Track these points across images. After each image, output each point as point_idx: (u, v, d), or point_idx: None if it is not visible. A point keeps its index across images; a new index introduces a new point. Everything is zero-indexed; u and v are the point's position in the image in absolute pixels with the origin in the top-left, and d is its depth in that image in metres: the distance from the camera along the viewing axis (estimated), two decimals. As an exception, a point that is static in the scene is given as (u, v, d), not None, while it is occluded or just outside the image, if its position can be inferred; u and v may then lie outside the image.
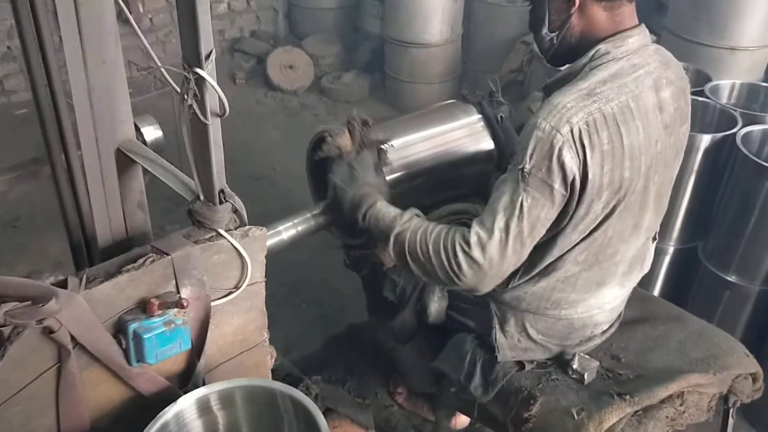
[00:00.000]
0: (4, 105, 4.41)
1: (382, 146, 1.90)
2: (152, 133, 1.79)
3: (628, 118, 1.48)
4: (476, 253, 1.53)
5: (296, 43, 5.15)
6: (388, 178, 1.94)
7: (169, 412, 1.32)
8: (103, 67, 1.41)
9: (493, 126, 2.16)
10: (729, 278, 2.53)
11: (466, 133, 2.16)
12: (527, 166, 1.48)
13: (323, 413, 2.33)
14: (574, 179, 1.48)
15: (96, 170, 1.43)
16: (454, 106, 2.24)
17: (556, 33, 1.60)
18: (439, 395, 2.20)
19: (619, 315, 1.92)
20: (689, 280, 2.72)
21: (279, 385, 1.35)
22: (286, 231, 1.94)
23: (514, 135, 2.15)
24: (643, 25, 1.57)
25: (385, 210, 1.72)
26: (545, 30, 1.61)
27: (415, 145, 2.08)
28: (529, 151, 1.48)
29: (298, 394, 1.32)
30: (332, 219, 2.00)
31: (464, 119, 2.17)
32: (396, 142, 1.99)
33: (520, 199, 1.50)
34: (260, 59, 5.08)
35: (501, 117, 2.20)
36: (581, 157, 1.46)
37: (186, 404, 1.35)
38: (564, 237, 1.59)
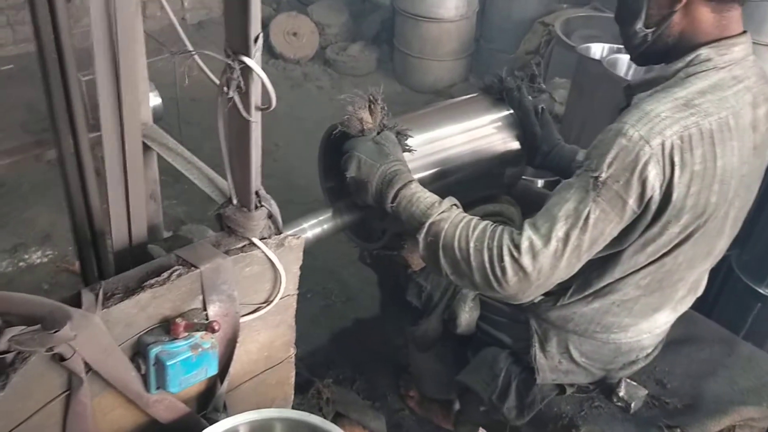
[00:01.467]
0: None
1: (404, 133, 1.70)
2: (151, 99, 1.60)
3: (726, 137, 1.31)
4: (526, 260, 1.37)
5: (301, 9, 4.89)
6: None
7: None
8: (129, 33, 1.19)
9: (529, 117, 1.94)
10: (762, 291, 2.42)
11: (495, 131, 1.95)
12: (603, 175, 1.32)
13: (333, 418, 2.22)
14: (651, 198, 1.32)
15: (116, 156, 1.22)
16: (481, 99, 2.01)
17: (653, 29, 1.42)
18: (463, 410, 2.06)
19: (664, 337, 1.79)
20: (718, 289, 2.60)
21: (318, 420, 1.19)
22: (312, 229, 1.76)
23: (552, 129, 1.97)
24: (748, 33, 1.40)
25: (421, 194, 1.52)
26: (640, 24, 1.43)
27: (438, 142, 1.84)
28: (608, 159, 1.31)
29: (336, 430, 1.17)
30: (358, 217, 1.80)
31: (494, 114, 1.94)
32: (418, 138, 1.79)
33: (587, 209, 1.34)
34: (263, 24, 4.81)
35: (542, 108, 1.99)
36: (667, 175, 1.30)
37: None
38: (629, 258, 1.44)
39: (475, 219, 1.46)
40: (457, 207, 1.52)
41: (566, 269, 1.39)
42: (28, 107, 3.72)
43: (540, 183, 2.69)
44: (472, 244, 1.41)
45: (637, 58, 1.53)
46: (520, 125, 1.92)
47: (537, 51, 4.21)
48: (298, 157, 3.67)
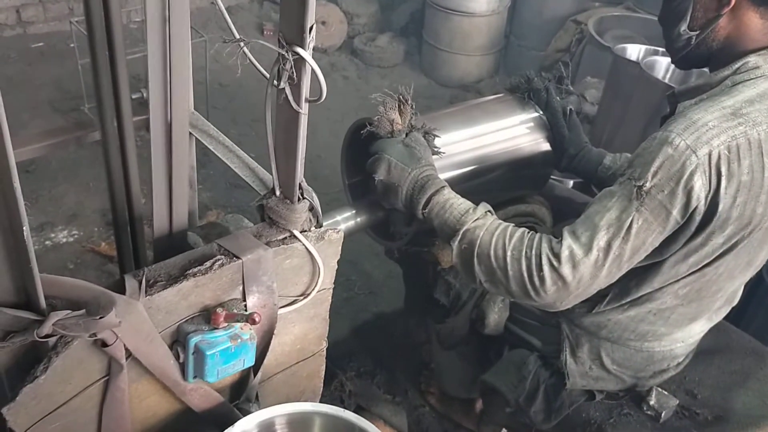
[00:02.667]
0: (20, 37, 4.14)
1: (432, 132, 1.65)
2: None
3: None
4: (566, 269, 1.35)
5: (331, -3, 4.87)
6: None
7: (236, 430, 1.15)
8: (180, 13, 1.18)
9: (557, 119, 1.90)
10: (792, 303, 2.37)
11: (525, 131, 1.91)
12: (647, 184, 1.29)
13: (354, 411, 2.22)
14: (696, 208, 1.30)
15: (162, 140, 1.21)
16: (509, 99, 1.97)
17: (697, 32, 1.39)
18: (487, 410, 2.05)
19: (695, 347, 1.77)
20: (746, 298, 2.56)
21: (354, 417, 1.18)
22: (345, 222, 1.74)
23: (580, 132, 1.93)
24: None
25: (455, 200, 1.49)
26: (684, 27, 1.40)
27: (467, 141, 1.80)
28: (653, 168, 1.29)
29: (373, 429, 1.16)
30: (380, 217, 1.77)
31: (523, 115, 1.89)
32: (448, 138, 1.75)
33: (630, 219, 1.31)
34: (291, 11, 4.80)
35: (570, 109, 1.96)
36: (713, 185, 1.27)
37: (250, 425, 1.18)
38: (670, 267, 1.42)
39: (511, 226, 1.43)
40: (492, 214, 1.49)
41: (606, 279, 1.37)
42: (57, 85, 3.73)
43: (570, 183, 2.66)
44: (509, 253, 1.39)
45: (679, 62, 1.50)
46: (549, 127, 1.89)
47: (568, 49, 4.16)
48: (323, 147, 3.66)
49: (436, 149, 1.62)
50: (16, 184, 0.86)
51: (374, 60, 4.59)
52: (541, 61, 4.24)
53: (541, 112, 1.90)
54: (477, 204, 1.50)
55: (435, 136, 1.63)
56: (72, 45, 3.70)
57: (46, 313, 0.98)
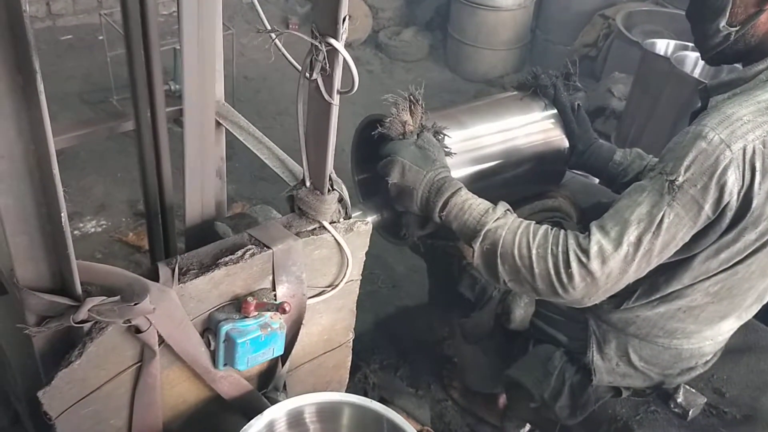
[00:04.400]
0: (49, 29, 4.19)
1: (442, 132, 1.63)
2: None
3: None
4: (595, 264, 1.33)
5: (356, -9, 4.87)
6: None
7: (265, 419, 1.16)
8: (212, 5, 1.19)
9: (567, 115, 1.89)
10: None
11: (542, 128, 1.88)
12: (680, 179, 1.28)
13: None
14: (728, 204, 1.28)
15: (196, 131, 1.22)
16: (524, 96, 1.95)
17: (736, 28, 1.37)
18: (511, 405, 2.05)
19: (723, 345, 1.75)
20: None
21: (381, 407, 1.19)
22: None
23: (589, 127, 1.91)
24: None
25: (473, 200, 1.47)
26: (723, 22, 1.37)
27: (477, 139, 1.77)
28: (686, 162, 1.27)
29: (402, 422, 1.16)
30: (388, 218, 1.73)
31: (539, 112, 1.88)
32: (461, 134, 1.71)
33: (661, 213, 1.30)
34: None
35: (578, 105, 1.94)
36: (747, 181, 1.25)
37: (279, 413, 1.19)
38: (700, 264, 1.41)
39: (533, 224, 1.42)
40: (511, 212, 1.47)
41: (635, 274, 1.36)
42: (86, 77, 3.78)
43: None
44: (534, 251, 1.37)
45: (712, 58, 1.48)
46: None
47: (594, 44, 4.13)
48: (347, 141, 3.66)
49: (447, 149, 1.60)
50: (56, 171, 0.88)
51: (399, 54, 4.58)
52: (567, 56, 4.20)
53: (556, 110, 1.88)
54: (495, 203, 1.48)
55: (445, 135, 1.60)
56: (101, 37, 3.74)
57: (81, 299, 0.99)
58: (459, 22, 4.41)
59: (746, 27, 1.35)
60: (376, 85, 4.33)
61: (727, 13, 1.36)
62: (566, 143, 1.86)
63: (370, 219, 1.69)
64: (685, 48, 2.98)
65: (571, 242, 1.36)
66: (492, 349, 2.05)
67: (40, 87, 0.82)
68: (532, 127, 1.86)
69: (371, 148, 1.63)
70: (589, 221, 1.42)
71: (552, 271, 1.36)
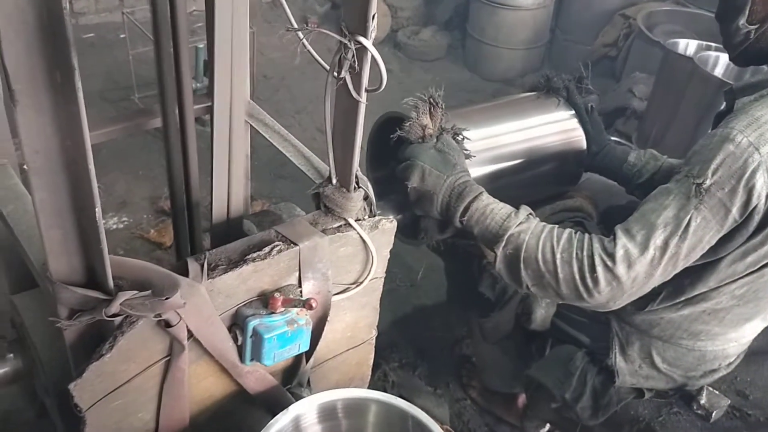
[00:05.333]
0: (71, 27, 4.23)
1: (461, 133, 1.61)
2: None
3: None
4: (621, 269, 1.32)
5: (375, -10, 4.87)
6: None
7: (291, 414, 1.17)
8: (241, 7, 1.20)
9: (580, 117, 1.87)
10: None
11: (560, 129, 1.87)
12: (707, 182, 1.27)
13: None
14: (756, 207, 1.27)
15: (224, 128, 1.23)
16: (541, 97, 1.92)
17: (756, 26, 1.36)
18: (531, 405, 2.04)
19: (747, 347, 1.74)
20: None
21: (406, 405, 1.19)
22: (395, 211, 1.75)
23: (602, 129, 1.90)
24: None
25: (495, 205, 1.45)
26: (743, 20, 1.37)
27: (495, 138, 1.77)
28: (713, 165, 1.26)
29: (429, 420, 1.17)
30: (402, 220, 1.70)
31: (555, 113, 1.87)
32: (478, 133, 1.69)
33: (688, 216, 1.29)
34: (335, 4, 4.82)
35: (591, 107, 1.93)
36: None
37: (305, 409, 1.20)
38: (726, 266, 1.40)
39: (557, 228, 1.41)
40: (533, 216, 1.46)
41: (661, 277, 1.35)
42: (107, 76, 3.81)
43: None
44: (558, 255, 1.36)
45: (737, 58, 1.47)
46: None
47: (615, 44, 4.11)
48: (364, 139, 3.68)
49: (466, 152, 1.59)
50: (91, 166, 0.89)
51: (417, 54, 4.59)
52: (587, 56, 4.19)
53: (573, 111, 1.88)
54: (514, 205, 1.47)
55: (464, 137, 1.58)
56: (122, 36, 3.78)
57: (113, 293, 1.00)
58: (478, 21, 4.40)
59: (766, 24, 1.34)
60: (394, 85, 4.33)
61: (747, 11, 1.36)
62: (584, 143, 1.86)
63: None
64: (708, 48, 2.96)
65: (596, 246, 1.35)
66: (510, 349, 2.05)
67: (78, 83, 0.83)
68: (552, 127, 1.86)
69: (385, 146, 1.63)
70: (607, 222, 1.41)
71: (577, 276, 1.35)
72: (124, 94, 3.59)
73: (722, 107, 1.50)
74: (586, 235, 1.39)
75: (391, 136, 1.56)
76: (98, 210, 0.93)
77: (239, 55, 1.19)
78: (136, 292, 1.00)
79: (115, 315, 1.01)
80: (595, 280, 1.34)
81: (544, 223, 1.44)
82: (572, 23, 4.39)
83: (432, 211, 1.53)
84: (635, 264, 1.32)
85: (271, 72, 4.07)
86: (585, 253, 1.35)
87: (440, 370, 2.44)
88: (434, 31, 4.69)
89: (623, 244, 1.33)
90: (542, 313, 1.80)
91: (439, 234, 1.69)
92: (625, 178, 1.82)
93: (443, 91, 1.57)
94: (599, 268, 1.33)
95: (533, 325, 1.82)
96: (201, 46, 3.11)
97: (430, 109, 1.56)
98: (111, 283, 1.01)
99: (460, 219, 1.48)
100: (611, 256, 1.33)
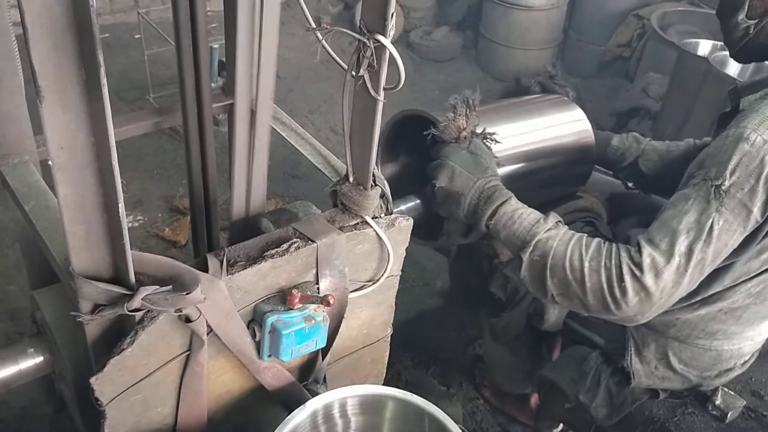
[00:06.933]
0: (97, 24, 4.27)
1: (491, 138, 1.61)
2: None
3: None
4: (649, 279, 1.30)
5: (387, -9, 4.88)
6: None
7: (308, 410, 1.18)
8: (272, 5, 1.20)
9: None
10: None
11: (570, 130, 1.87)
12: (726, 183, 1.27)
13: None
14: None
15: (245, 126, 1.24)
16: (554, 99, 1.93)
17: (756, 21, 1.36)
18: (544, 405, 2.04)
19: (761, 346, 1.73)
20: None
21: (421, 401, 1.20)
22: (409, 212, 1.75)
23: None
24: None
25: (523, 210, 1.45)
26: (742, 15, 1.37)
27: (514, 137, 1.75)
28: (730, 166, 1.26)
29: (445, 417, 1.17)
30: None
31: (568, 113, 1.88)
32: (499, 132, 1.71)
33: (710, 220, 1.28)
34: (348, 5, 4.84)
35: (571, 94, 1.94)
36: None
37: (321, 405, 1.21)
38: (741, 265, 1.40)
39: (586, 236, 1.39)
40: (562, 224, 1.45)
41: (688, 285, 1.33)
42: (123, 75, 3.84)
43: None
44: (586, 264, 1.34)
45: (737, 54, 1.47)
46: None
47: (628, 44, 4.10)
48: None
49: (496, 158, 1.59)
50: (115, 163, 0.90)
51: (430, 54, 4.58)
52: (601, 56, 4.18)
53: (580, 110, 1.89)
54: (541, 211, 1.46)
55: (495, 141, 1.58)
56: (137, 36, 3.81)
57: (135, 288, 1.02)
58: (491, 21, 4.40)
59: (765, 19, 1.34)
60: (406, 85, 4.25)
61: (746, 6, 1.36)
62: (593, 141, 1.86)
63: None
64: (723, 48, 2.94)
65: (624, 255, 1.33)
66: (520, 349, 2.05)
67: (104, 80, 0.84)
68: (566, 128, 1.86)
69: (397, 145, 1.63)
70: (613, 210, 1.40)
71: (605, 286, 1.33)
72: (139, 94, 3.61)
73: (728, 108, 1.50)
74: (614, 245, 1.37)
75: (425, 133, 1.56)
76: (121, 206, 0.95)
77: (266, 52, 1.20)
78: (157, 287, 1.02)
79: (136, 310, 1.03)
80: (623, 290, 1.32)
81: (573, 231, 1.42)
82: (585, 23, 4.38)
83: (458, 213, 1.53)
84: (662, 273, 1.30)
85: (284, 72, 4.08)
86: (613, 262, 1.33)
87: (453, 370, 2.44)
88: (447, 32, 4.69)
89: (649, 252, 1.31)
90: (555, 313, 1.80)
91: (462, 237, 1.69)
92: (609, 162, 1.85)
93: (478, 95, 1.57)
94: (627, 278, 1.31)
95: (546, 326, 1.81)
96: (216, 46, 3.13)
97: (466, 111, 1.56)
98: (132, 278, 1.02)
99: (487, 222, 1.47)
100: (639, 265, 1.31)
